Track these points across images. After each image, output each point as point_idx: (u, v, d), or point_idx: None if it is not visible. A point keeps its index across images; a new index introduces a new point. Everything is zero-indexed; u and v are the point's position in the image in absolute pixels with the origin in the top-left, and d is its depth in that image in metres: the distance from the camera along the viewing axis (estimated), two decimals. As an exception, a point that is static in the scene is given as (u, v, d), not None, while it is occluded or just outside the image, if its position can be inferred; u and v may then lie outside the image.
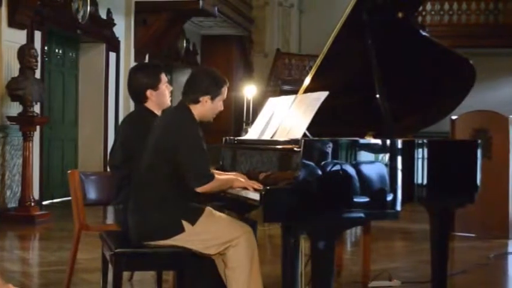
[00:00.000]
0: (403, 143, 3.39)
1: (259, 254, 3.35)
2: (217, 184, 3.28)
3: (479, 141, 3.78)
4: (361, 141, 3.33)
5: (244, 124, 8.45)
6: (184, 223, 3.23)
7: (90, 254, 5.22)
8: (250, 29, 16.45)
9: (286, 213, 3.05)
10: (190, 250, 3.27)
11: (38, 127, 7.97)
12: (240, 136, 4.74)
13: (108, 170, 4.03)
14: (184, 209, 3.28)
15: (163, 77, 3.78)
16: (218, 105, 3.43)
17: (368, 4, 3.84)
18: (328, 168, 3.09)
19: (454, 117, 6.97)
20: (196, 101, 3.36)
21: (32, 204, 7.60)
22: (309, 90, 3.75)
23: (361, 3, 3.78)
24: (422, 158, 3.46)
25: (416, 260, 5.58)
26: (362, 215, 3.19)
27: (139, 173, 3.36)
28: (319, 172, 3.07)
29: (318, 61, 3.83)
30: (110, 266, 3.41)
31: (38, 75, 8.05)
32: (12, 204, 7.74)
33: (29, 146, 7.58)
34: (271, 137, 3.63)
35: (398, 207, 3.27)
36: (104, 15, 10.29)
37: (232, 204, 3.63)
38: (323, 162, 3.09)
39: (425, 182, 3.46)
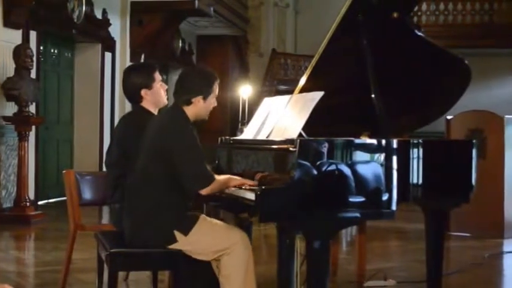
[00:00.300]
0: (399, 142, 3.39)
1: (255, 254, 3.35)
2: (217, 185, 3.26)
3: (475, 141, 3.79)
4: (357, 141, 3.32)
5: (239, 124, 8.42)
6: (177, 234, 3.20)
7: (85, 254, 5.21)
8: (245, 29, 16.43)
9: (282, 213, 3.05)
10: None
11: (33, 127, 7.96)
12: (235, 136, 4.73)
13: (104, 169, 4.02)
14: (178, 218, 3.24)
15: (157, 76, 3.78)
16: (211, 102, 3.40)
17: (363, 4, 3.85)
18: (324, 168, 3.09)
19: (449, 117, 6.98)
20: (189, 103, 3.32)
21: (28, 204, 7.58)
22: (304, 90, 3.74)
23: (357, 3, 3.78)
24: (418, 157, 3.46)
25: (411, 260, 5.59)
26: (357, 214, 3.20)
27: (135, 174, 3.34)
28: (315, 172, 3.07)
29: (314, 61, 3.83)
30: (105, 266, 3.40)
31: (33, 75, 8.02)
32: (8, 204, 7.73)
33: (24, 146, 7.57)
34: (267, 137, 3.62)
35: (394, 207, 3.28)
36: (99, 15, 10.27)
37: (228, 204, 3.63)
38: (318, 162, 3.09)
39: (420, 181, 3.46)
